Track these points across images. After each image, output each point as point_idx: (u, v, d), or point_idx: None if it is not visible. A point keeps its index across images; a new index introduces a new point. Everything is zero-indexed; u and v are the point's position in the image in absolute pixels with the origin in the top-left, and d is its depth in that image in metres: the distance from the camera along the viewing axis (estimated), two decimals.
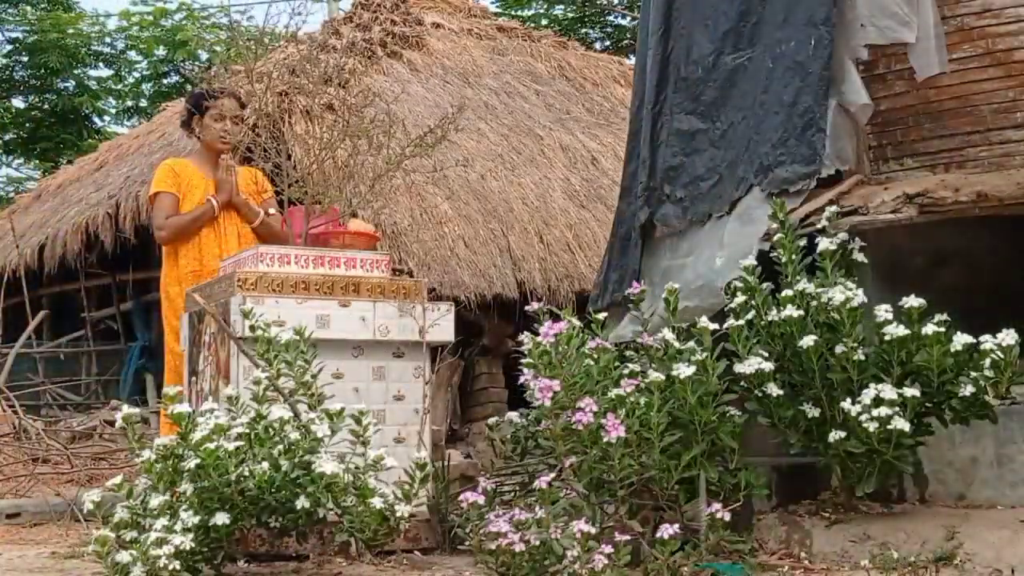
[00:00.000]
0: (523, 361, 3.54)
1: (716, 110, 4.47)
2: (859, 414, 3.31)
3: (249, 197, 5.02)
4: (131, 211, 9.22)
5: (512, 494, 4.28)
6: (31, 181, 18.76)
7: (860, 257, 3.80)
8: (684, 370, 3.40)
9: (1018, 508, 3.57)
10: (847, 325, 3.44)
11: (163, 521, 3.26)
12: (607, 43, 18.25)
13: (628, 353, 3.93)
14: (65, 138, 19.20)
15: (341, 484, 3.31)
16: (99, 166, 11.36)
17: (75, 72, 19.55)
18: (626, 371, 3.63)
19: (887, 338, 3.42)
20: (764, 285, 3.66)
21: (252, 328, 3.71)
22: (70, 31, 18.92)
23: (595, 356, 3.59)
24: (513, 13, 17.40)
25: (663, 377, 3.42)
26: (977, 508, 3.65)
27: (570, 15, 18.31)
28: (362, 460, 3.47)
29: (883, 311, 3.46)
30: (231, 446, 3.26)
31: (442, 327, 4.34)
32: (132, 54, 20.13)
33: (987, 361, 3.33)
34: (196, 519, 3.25)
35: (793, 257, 3.72)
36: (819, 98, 4.07)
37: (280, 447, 3.33)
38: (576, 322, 3.65)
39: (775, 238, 3.80)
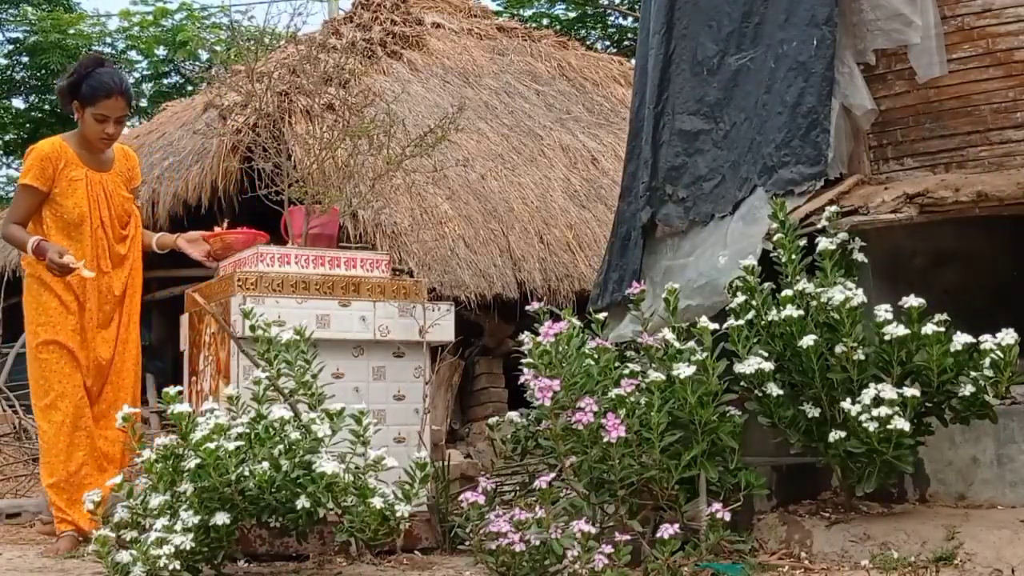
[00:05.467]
0: (523, 361, 3.54)
1: (719, 110, 4.47)
2: (859, 414, 3.31)
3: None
4: None
5: (512, 494, 4.29)
6: None
7: (860, 257, 3.80)
8: (684, 370, 3.39)
9: (1018, 508, 3.56)
10: (847, 325, 3.44)
11: (163, 521, 3.27)
12: (607, 43, 18.23)
13: (628, 353, 3.92)
14: None
15: (341, 484, 3.31)
16: None
17: None
18: (626, 371, 3.63)
19: (887, 338, 3.41)
20: (764, 285, 3.66)
21: (252, 328, 3.71)
22: (71, 31, 18.91)
23: (595, 356, 3.59)
24: (514, 12, 17.38)
25: (663, 377, 3.42)
26: (977, 508, 3.64)
27: (571, 15, 18.28)
28: (362, 460, 3.47)
29: (883, 311, 3.46)
30: (231, 446, 3.26)
31: (442, 327, 4.35)
32: (132, 54, 20.13)
33: (987, 361, 3.33)
34: (196, 519, 3.26)
35: (793, 257, 3.72)
36: (823, 99, 4.07)
37: (280, 447, 3.33)
38: (576, 322, 3.65)
39: (775, 238, 3.79)
